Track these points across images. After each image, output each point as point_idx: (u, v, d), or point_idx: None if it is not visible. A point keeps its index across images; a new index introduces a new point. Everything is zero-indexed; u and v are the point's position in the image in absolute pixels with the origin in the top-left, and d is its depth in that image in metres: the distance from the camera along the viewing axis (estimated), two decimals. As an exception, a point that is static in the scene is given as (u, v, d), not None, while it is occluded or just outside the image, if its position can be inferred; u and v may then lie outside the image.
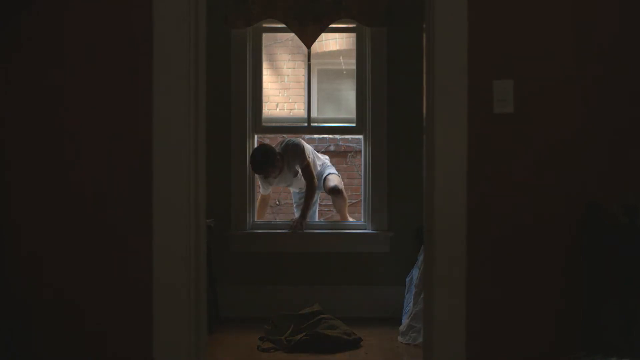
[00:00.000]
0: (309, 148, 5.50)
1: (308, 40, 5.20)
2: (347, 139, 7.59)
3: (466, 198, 2.78)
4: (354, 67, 5.46)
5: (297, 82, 8.02)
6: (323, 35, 5.80)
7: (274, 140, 7.62)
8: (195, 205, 2.81)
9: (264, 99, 5.52)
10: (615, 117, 2.81)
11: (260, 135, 5.63)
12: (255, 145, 5.42)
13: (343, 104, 7.40)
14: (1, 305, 2.75)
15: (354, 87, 5.42)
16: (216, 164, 5.06)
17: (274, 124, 5.72)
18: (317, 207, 5.71)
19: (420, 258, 4.42)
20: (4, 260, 2.76)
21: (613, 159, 2.81)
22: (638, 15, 2.81)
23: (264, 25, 5.35)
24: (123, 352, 2.77)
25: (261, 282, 5.12)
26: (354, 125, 5.43)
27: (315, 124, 5.73)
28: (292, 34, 5.30)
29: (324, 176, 5.54)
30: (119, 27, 2.76)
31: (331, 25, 5.21)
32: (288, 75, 8.05)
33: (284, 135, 7.25)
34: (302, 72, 7.86)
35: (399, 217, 5.15)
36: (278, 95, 8.00)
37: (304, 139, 7.65)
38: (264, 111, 5.49)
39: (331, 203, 7.54)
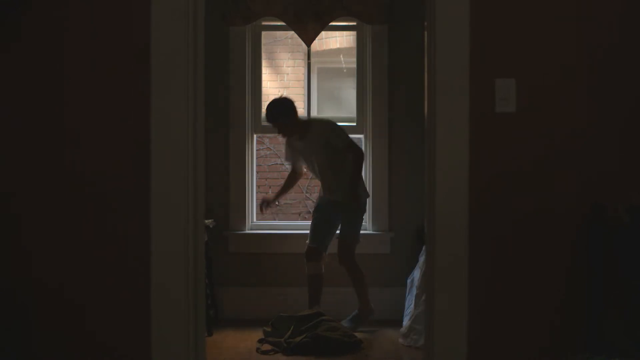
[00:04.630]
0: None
1: (308, 38, 5.17)
2: (348, 138, 7.55)
3: (468, 197, 2.76)
4: (354, 65, 5.44)
5: (297, 80, 7.99)
6: (323, 34, 5.76)
7: (274, 140, 7.63)
8: (194, 205, 2.79)
9: (264, 97, 5.49)
10: (619, 116, 2.79)
11: (259, 135, 5.61)
12: (255, 145, 5.40)
13: (343, 103, 7.37)
14: (1, 305, 2.74)
15: (355, 85, 5.40)
16: (215, 163, 5.05)
17: (273, 123, 5.67)
18: None
19: (422, 259, 4.40)
20: (4, 261, 2.75)
21: (617, 158, 2.79)
22: (643, 13, 2.78)
23: (263, 23, 5.33)
24: (121, 353, 2.75)
25: (260, 283, 5.10)
26: (354, 124, 5.40)
27: (315, 123, 5.68)
28: (292, 32, 5.27)
29: None
30: (117, 25, 2.74)
31: (331, 23, 5.19)
32: (288, 73, 8.01)
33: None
34: (302, 70, 7.83)
35: (400, 217, 5.14)
36: (278, 94, 7.95)
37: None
38: (263, 110, 5.45)
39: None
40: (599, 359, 2.58)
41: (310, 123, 4.85)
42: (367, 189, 4.99)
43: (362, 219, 4.89)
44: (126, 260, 2.74)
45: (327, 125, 4.78)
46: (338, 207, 4.75)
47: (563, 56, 2.78)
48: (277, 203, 5.04)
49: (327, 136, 4.69)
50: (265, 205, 4.97)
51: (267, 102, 4.83)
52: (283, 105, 4.77)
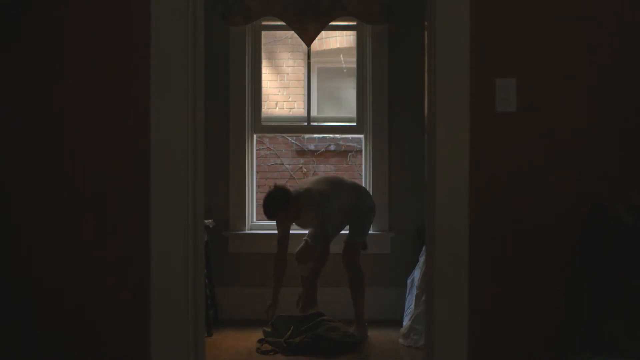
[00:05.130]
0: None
1: (308, 38, 5.16)
2: (348, 138, 7.56)
3: (468, 197, 2.76)
4: (354, 65, 5.43)
5: (297, 80, 7.99)
6: (323, 33, 5.76)
7: (274, 140, 7.63)
8: (194, 205, 2.78)
9: (264, 97, 5.49)
10: (620, 116, 2.79)
11: (259, 135, 5.60)
12: (255, 145, 5.39)
13: (343, 103, 7.37)
14: (1, 305, 2.74)
15: (355, 85, 5.39)
16: (215, 163, 5.04)
17: (273, 123, 5.68)
18: None
19: (422, 259, 4.39)
20: (4, 261, 2.75)
21: (618, 158, 2.78)
22: (643, 12, 2.78)
23: (263, 22, 5.32)
24: (121, 353, 2.75)
25: (260, 283, 5.09)
26: (354, 124, 5.40)
27: (315, 123, 5.69)
28: (292, 32, 5.27)
29: None
30: (117, 25, 2.74)
31: (331, 23, 5.18)
32: (288, 73, 8.01)
33: (283, 134, 7.24)
34: (302, 70, 7.83)
35: (400, 217, 5.13)
36: (277, 94, 7.96)
37: (303, 138, 7.66)
38: (263, 110, 5.46)
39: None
40: (599, 359, 2.58)
41: (301, 201, 4.61)
42: (368, 188, 4.99)
43: (369, 225, 4.84)
44: (126, 260, 2.74)
45: (318, 208, 4.58)
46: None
47: (563, 56, 2.78)
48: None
49: (318, 217, 4.60)
50: (272, 312, 4.69)
51: (264, 199, 4.59)
52: (283, 195, 4.57)
